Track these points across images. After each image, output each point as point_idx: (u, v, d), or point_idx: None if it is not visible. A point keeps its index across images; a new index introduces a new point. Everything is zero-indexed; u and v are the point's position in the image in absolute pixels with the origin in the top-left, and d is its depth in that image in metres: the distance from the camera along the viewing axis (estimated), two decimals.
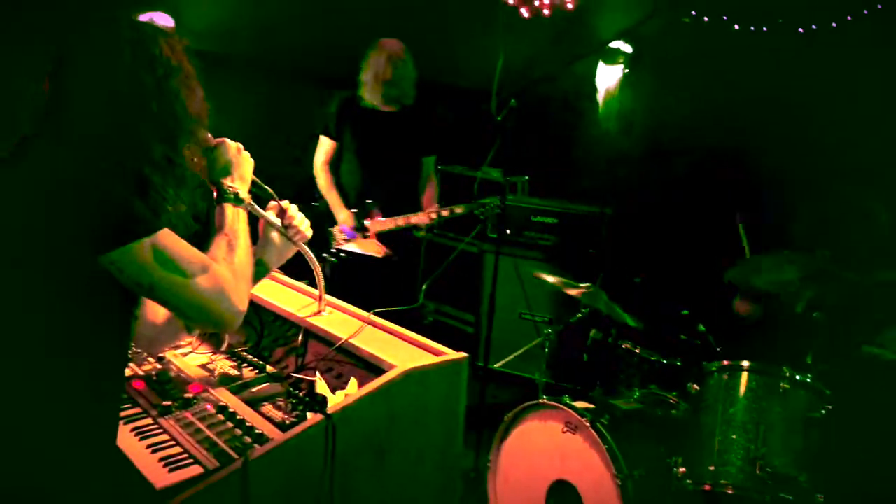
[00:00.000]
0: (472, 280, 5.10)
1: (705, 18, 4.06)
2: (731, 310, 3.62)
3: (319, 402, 2.00)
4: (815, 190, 3.66)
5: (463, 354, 2.14)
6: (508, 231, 4.89)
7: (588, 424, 2.96)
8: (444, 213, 3.83)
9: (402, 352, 2.18)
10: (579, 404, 3.13)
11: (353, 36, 4.53)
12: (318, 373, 2.16)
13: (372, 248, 3.93)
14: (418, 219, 3.89)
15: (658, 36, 4.75)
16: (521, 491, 3.22)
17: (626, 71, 5.08)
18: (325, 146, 4.07)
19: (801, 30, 4.00)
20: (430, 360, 2.10)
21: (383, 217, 3.95)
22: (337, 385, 2.15)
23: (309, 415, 1.93)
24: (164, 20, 4.19)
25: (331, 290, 2.50)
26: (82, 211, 1.45)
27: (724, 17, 4.01)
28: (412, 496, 2.12)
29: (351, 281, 3.72)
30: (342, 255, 3.92)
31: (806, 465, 2.75)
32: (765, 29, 4.06)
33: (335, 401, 2.02)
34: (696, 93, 4.60)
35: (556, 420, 3.12)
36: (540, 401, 3.19)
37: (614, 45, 4.97)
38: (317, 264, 2.35)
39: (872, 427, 2.96)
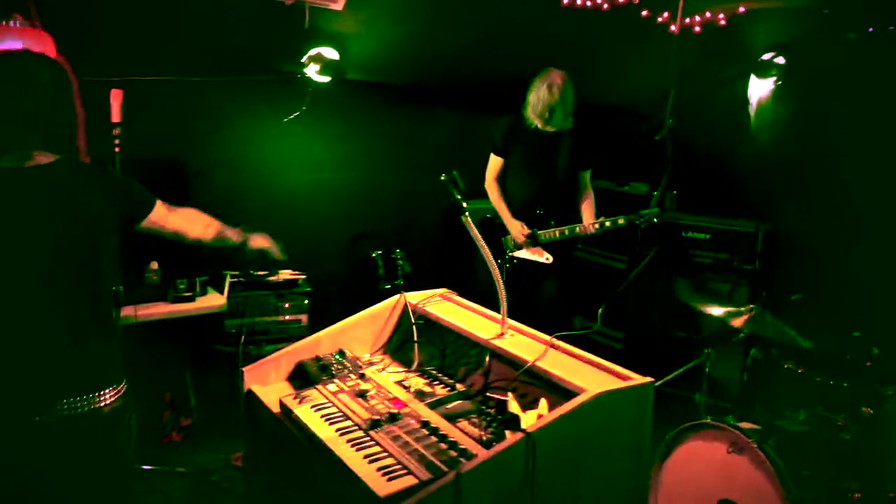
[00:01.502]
0: (619, 296, 5.13)
1: (870, 29, 3.93)
2: None
3: (514, 421, 2.15)
4: None
5: (649, 379, 2.23)
6: (658, 247, 4.89)
7: (755, 446, 2.97)
8: (607, 223, 4.05)
9: (587, 375, 2.30)
10: (744, 425, 3.13)
11: (504, 64, 4.69)
12: (510, 393, 2.31)
13: (539, 255, 4.31)
14: (582, 228, 4.17)
15: (812, 46, 4.61)
16: None
17: (780, 83, 4.96)
18: (493, 163, 4.46)
19: None
20: (617, 384, 2.21)
21: (548, 228, 4.27)
22: (524, 404, 2.29)
23: (507, 433, 2.07)
24: (331, 54, 4.52)
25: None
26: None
27: (892, 28, 3.88)
28: None
29: (523, 283, 4.21)
30: (514, 261, 4.34)
31: None
32: None
33: (526, 420, 2.16)
34: (852, 104, 4.45)
35: (721, 440, 3.14)
36: (704, 421, 3.22)
37: (767, 56, 4.87)
38: (503, 290, 2.51)
39: None
